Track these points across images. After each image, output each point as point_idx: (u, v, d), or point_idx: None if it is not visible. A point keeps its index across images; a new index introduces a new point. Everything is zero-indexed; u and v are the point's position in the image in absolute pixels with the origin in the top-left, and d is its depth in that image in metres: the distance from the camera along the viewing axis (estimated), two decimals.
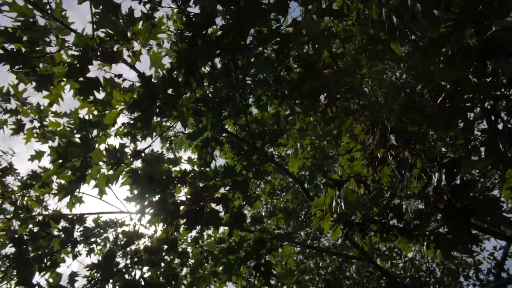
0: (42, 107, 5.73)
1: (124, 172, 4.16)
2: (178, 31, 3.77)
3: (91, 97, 4.39)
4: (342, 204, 3.39)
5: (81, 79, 3.55)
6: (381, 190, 4.16)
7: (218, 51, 4.01)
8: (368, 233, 4.10)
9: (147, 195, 3.84)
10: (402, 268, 9.21)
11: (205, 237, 6.57)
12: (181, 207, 3.95)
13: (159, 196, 3.74)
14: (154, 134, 4.62)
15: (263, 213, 6.51)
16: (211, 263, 6.02)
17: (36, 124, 5.75)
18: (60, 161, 3.55)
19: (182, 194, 4.07)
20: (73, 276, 5.12)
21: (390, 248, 9.16)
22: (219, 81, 4.35)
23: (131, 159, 4.08)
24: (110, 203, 6.77)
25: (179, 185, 3.96)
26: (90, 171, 3.87)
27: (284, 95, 4.99)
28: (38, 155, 5.78)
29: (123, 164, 4.15)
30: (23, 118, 5.74)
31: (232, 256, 5.18)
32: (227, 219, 3.98)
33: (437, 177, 3.28)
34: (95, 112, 4.41)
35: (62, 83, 4.15)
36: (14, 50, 3.68)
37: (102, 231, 6.28)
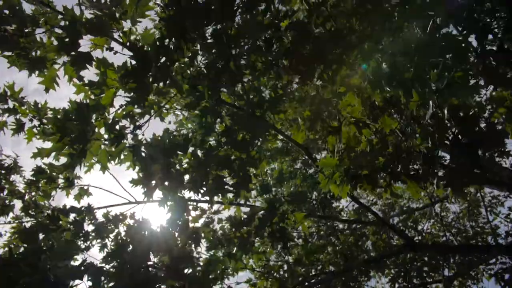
0: (40, 105, 5.73)
1: (126, 148, 4.14)
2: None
3: (86, 80, 4.45)
4: (342, 145, 3.32)
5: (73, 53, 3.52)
6: (384, 139, 4.12)
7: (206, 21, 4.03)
8: (377, 182, 4.06)
9: (151, 166, 3.81)
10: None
11: (216, 221, 6.53)
12: (186, 176, 3.93)
13: (163, 162, 3.70)
14: (152, 111, 4.62)
15: (270, 182, 6.44)
16: (225, 246, 5.97)
17: (36, 122, 5.75)
18: (59, 135, 3.53)
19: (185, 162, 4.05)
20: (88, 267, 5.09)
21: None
22: (211, 50, 4.34)
23: (132, 132, 4.06)
24: (117, 194, 6.74)
25: (182, 153, 3.93)
26: (90, 147, 3.85)
27: (277, 62, 4.97)
28: (41, 152, 5.78)
29: (123, 141, 4.13)
30: (22, 118, 5.74)
31: (244, 230, 5.14)
32: (232, 182, 3.95)
33: (440, 112, 3.24)
34: (92, 97, 4.40)
35: (56, 66, 4.14)
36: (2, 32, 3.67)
37: (113, 226, 6.25)
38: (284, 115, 4.93)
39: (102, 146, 4.03)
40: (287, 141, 9.86)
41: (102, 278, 3.25)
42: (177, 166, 3.92)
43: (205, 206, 8.28)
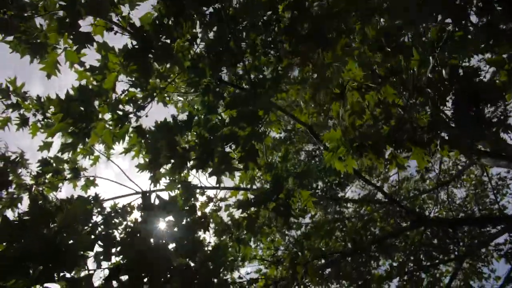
0: (42, 100, 5.77)
1: (130, 130, 4.15)
2: None
3: (88, 66, 4.48)
4: (346, 111, 3.33)
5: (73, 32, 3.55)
6: (388, 110, 4.13)
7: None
8: (383, 152, 4.05)
9: (156, 144, 3.82)
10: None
11: (223, 208, 6.54)
12: (191, 153, 3.93)
13: (168, 139, 3.72)
14: (155, 94, 4.64)
15: (276, 161, 6.45)
16: (234, 231, 5.98)
17: (40, 117, 5.78)
18: (62, 114, 3.54)
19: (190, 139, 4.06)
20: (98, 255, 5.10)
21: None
22: (211, 29, 4.37)
23: (136, 113, 4.08)
24: (124, 184, 6.76)
25: (186, 130, 3.94)
26: (94, 128, 3.87)
27: (277, 44, 4.99)
28: (46, 145, 5.81)
29: (127, 123, 4.15)
30: (26, 113, 5.78)
31: (252, 210, 5.14)
32: (239, 156, 3.95)
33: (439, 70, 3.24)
34: (94, 83, 4.43)
35: (58, 51, 4.16)
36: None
37: (121, 219, 6.26)
38: (286, 94, 4.95)
39: (108, 125, 4.04)
40: (290, 130, 9.91)
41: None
42: (182, 144, 3.92)
43: (211, 193, 8.31)
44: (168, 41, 3.89)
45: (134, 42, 3.84)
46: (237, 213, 6.30)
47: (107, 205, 6.41)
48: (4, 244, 2.56)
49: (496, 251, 9.16)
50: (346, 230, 8.08)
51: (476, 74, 3.12)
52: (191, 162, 3.91)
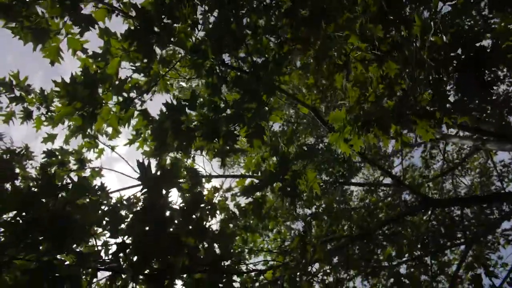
0: (46, 93, 5.79)
1: (136, 114, 4.17)
2: None
3: (90, 52, 4.50)
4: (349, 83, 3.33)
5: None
6: (391, 86, 4.13)
7: None
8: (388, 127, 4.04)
9: (162, 126, 3.82)
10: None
11: (229, 198, 6.53)
12: (196, 133, 3.94)
13: (173, 119, 3.72)
14: (158, 79, 4.66)
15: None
16: (241, 220, 5.98)
17: (43, 110, 5.80)
18: (69, 98, 3.55)
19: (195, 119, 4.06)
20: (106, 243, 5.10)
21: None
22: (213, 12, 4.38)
23: (139, 98, 4.08)
24: (130, 175, 6.75)
25: (190, 110, 3.95)
26: (100, 112, 3.87)
27: (277, 29, 5.00)
28: (51, 137, 5.83)
29: (132, 107, 4.16)
30: (30, 107, 5.80)
31: (258, 195, 5.14)
32: (244, 134, 3.96)
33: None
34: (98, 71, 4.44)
35: (61, 36, 4.17)
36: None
37: (127, 212, 6.25)
38: (288, 77, 4.95)
39: (113, 110, 4.05)
40: (293, 123, 9.91)
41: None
42: (187, 124, 3.93)
43: (217, 184, 8.30)
44: (170, 21, 3.90)
45: (136, 24, 3.86)
46: (243, 202, 6.29)
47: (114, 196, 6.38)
48: (13, 213, 2.57)
49: (503, 237, 9.12)
50: (352, 218, 8.07)
51: (479, 39, 3.12)
52: (196, 141, 3.91)
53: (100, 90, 4.32)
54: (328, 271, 7.80)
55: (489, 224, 7.96)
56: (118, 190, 6.17)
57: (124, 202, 6.33)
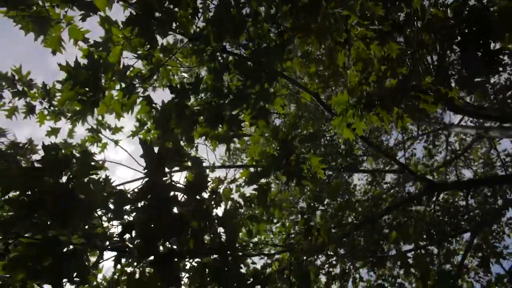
0: (48, 87, 5.80)
1: (139, 100, 4.17)
2: None
3: (92, 41, 4.50)
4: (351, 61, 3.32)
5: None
6: (393, 66, 4.12)
7: None
8: (391, 107, 4.04)
9: (165, 109, 3.82)
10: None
11: (234, 189, 6.51)
12: (200, 117, 3.94)
13: (177, 102, 3.72)
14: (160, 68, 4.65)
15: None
16: (247, 209, 5.96)
17: (46, 105, 5.81)
18: (72, 82, 3.56)
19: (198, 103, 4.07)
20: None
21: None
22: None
23: (141, 84, 4.09)
24: (134, 168, 6.74)
25: (193, 94, 3.95)
26: (103, 98, 3.87)
27: (277, 17, 5.00)
28: (54, 130, 5.84)
29: (135, 94, 4.16)
30: (32, 102, 5.80)
31: (263, 182, 5.13)
32: (248, 118, 3.95)
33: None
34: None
35: (62, 25, 4.18)
36: None
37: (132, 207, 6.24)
38: (290, 62, 4.94)
39: (115, 96, 4.06)
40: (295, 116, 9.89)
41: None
42: (190, 108, 3.93)
43: (222, 176, 8.29)
44: (172, 6, 3.90)
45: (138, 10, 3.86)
46: (248, 192, 6.29)
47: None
48: (18, 192, 2.56)
49: (508, 226, 9.10)
50: (356, 210, 8.05)
51: (483, 9, 3.11)
52: (200, 127, 3.91)
53: (103, 81, 4.34)
54: (334, 262, 7.81)
55: (493, 213, 7.93)
56: (122, 184, 6.19)
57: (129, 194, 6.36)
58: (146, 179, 3.04)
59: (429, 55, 3.73)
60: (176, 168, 3.17)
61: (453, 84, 3.69)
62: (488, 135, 8.13)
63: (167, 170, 3.09)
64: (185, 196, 3.22)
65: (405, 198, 7.00)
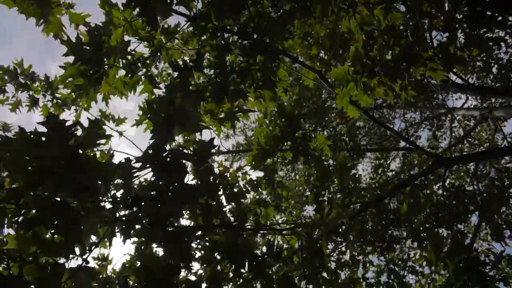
0: (51, 80, 5.79)
1: (142, 80, 4.16)
2: None
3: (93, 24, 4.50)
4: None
5: None
6: (396, 34, 4.10)
7: None
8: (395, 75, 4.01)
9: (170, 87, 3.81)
10: None
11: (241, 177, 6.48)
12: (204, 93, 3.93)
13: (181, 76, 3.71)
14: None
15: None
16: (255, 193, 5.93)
17: (49, 97, 5.81)
18: (74, 58, 3.55)
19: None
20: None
21: None
22: None
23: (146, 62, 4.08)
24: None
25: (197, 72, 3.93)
26: (105, 78, 3.87)
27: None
28: None
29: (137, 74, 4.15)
30: (35, 95, 5.80)
31: (269, 162, 5.10)
32: (253, 95, 3.94)
33: None
34: None
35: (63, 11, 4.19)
36: None
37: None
38: (292, 41, 4.93)
39: (118, 74, 4.06)
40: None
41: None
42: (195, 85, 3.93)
43: (227, 164, 8.26)
44: None
45: None
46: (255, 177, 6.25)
47: None
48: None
49: None
50: (363, 196, 8.02)
51: None
52: (205, 103, 3.90)
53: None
54: (343, 249, 7.76)
55: (500, 192, 7.88)
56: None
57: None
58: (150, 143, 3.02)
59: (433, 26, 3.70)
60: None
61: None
62: (492, 115, 8.11)
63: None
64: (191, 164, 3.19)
65: (412, 175, 6.96)
